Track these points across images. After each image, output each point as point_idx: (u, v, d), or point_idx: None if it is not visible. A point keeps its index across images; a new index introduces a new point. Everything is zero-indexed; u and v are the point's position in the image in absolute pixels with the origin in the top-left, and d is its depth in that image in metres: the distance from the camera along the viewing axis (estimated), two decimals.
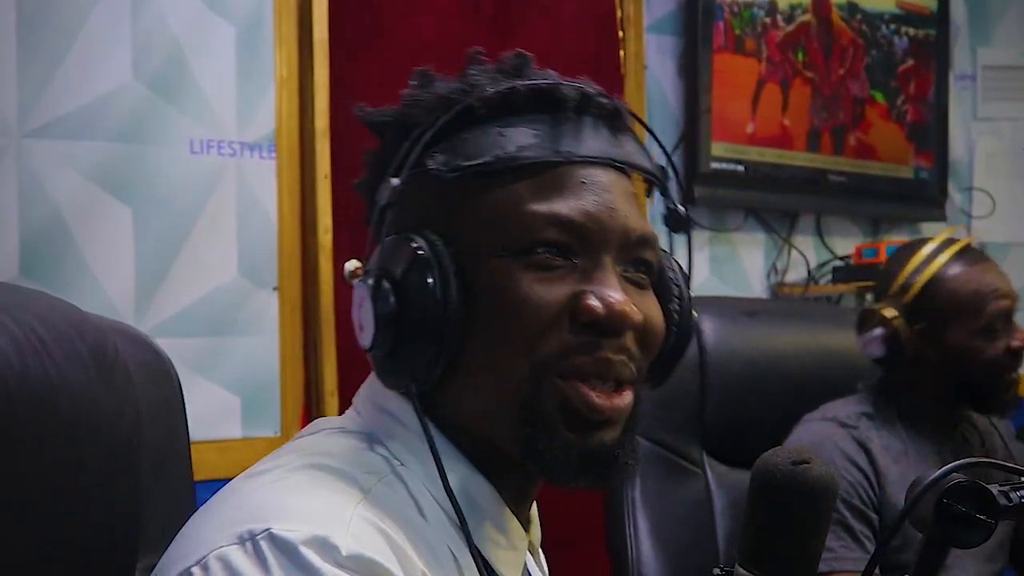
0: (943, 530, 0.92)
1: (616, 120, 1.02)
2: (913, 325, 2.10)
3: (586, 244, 0.95)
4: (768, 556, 0.94)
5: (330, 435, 0.99)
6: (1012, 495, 0.94)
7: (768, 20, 3.47)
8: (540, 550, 1.10)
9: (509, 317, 0.93)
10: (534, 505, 1.07)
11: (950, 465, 0.95)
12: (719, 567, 0.97)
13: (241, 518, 0.85)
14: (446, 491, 0.91)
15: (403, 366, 0.94)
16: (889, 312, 2.11)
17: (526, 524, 1.04)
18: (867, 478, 2.01)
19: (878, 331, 2.13)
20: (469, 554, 0.92)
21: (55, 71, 2.24)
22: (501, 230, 0.95)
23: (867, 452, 2.05)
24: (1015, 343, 2.07)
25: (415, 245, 0.94)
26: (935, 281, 2.10)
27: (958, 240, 2.17)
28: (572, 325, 0.94)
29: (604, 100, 1.01)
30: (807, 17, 3.58)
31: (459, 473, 0.97)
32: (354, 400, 1.04)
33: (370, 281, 0.93)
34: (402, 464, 0.95)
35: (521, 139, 0.96)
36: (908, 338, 2.10)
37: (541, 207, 0.94)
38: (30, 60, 2.21)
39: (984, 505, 0.91)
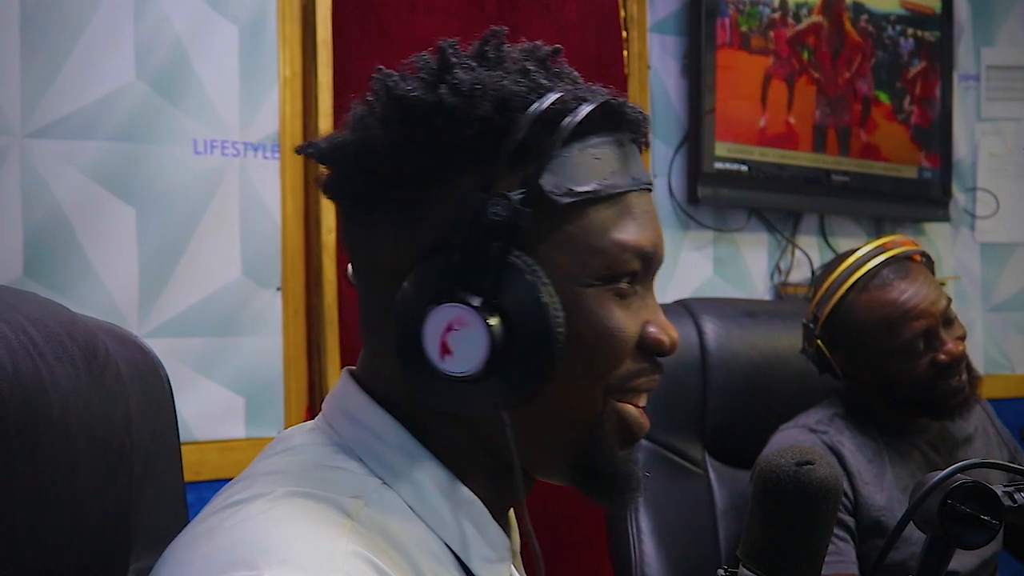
0: (948, 531, 0.92)
1: (645, 140, 1.02)
2: (833, 351, 2.08)
3: (648, 273, 0.98)
4: (772, 556, 0.93)
5: (307, 453, 0.96)
6: (1017, 496, 0.94)
7: (776, 17, 3.45)
8: (518, 554, 1.07)
9: (601, 346, 0.93)
10: (511, 510, 1.06)
11: (954, 466, 0.94)
12: (723, 568, 0.96)
13: (230, 561, 0.81)
14: (440, 538, 0.92)
15: (494, 393, 0.91)
16: (815, 340, 2.10)
17: (507, 530, 1.02)
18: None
19: (808, 351, 2.12)
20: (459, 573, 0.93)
21: (58, 70, 2.23)
22: (593, 258, 0.93)
23: (838, 456, 2.02)
24: (941, 357, 2.02)
25: (529, 268, 0.90)
26: (840, 312, 2.06)
27: (877, 255, 2.09)
28: (638, 352, 0.96)
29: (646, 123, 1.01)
30: (815, 16, 3.56)
31: (448, 492, 0.95)
32: (324, 411, 1.01)
33: (475, 302, 0.88)
34: (383, 483, 0.93)
35: (611, 164, 0.95)
36: (835, 360, 2.09)
37: (627, 237, 0.94)
38: (33, 59, 2.20)
39: (988, 506, 0.91)
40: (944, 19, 3.92)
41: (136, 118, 2.31)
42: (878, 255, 2.08)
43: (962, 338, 2.07)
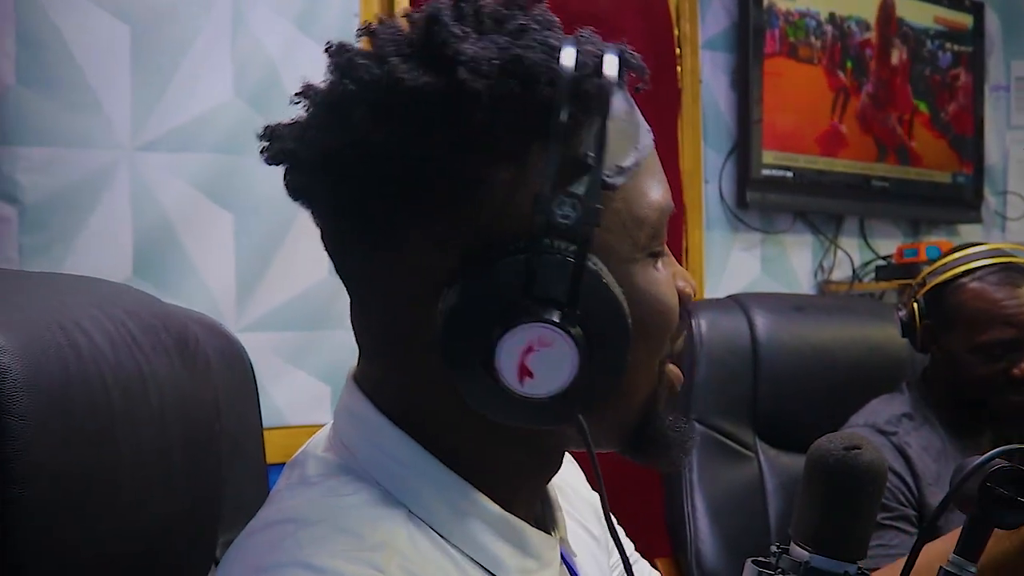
0: (986, 511, 0.90)
1: (646, 84, 0.83)
2: (923, 319, 2.02)
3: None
4: (822, 534, 0.90)
5: (325, 488, 0.79)
6: None
7: (824, 29, 3.40)
8: (567, 539, 0.92)
9: (659, 323, 0.79)
10: (550, 487, 0.90)
11: (994, 451, 0.93)
12: (776, 545, 0.93)
13: None
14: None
15: (574, 403, 0.74)
16: (912, 299, 2.04)
17: (550, 520, 0.89)
18: (905, 483, 1.92)
19: (901, 312, 2.06)
20: None
21: (164, 90, 2.24)
22: (639, 232, 0.77)
23: (905, 458, 1.94)
24: (1015, 371, 1.91)
25: (597, 266, 0.74)
26: (948, 286, 1.97)
27: (1009, 256, 1.99)
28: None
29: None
30: (863, 29, 3.50)
31: (480, 514, 0.80)
32: (337, 428, 0.84)
33: (554, 316, 0.71)
34: (409, 512, 0.77)
35: (633, 124, 0.78)
36: (919, 329, 2.02)
37: (657, 198, 0.79)
38: (142, 80, 2.22)
39: None
40: (976, 33, 3.85)
41: (234, 132, 2.32)
42: (1009, 256, 2.00)
43: None
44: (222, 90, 2.31)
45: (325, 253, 0.85)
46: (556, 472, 0.88)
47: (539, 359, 0.71)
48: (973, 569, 0.91)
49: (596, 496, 1.06)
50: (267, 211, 2.36)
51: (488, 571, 0.79)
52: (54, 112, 2.11)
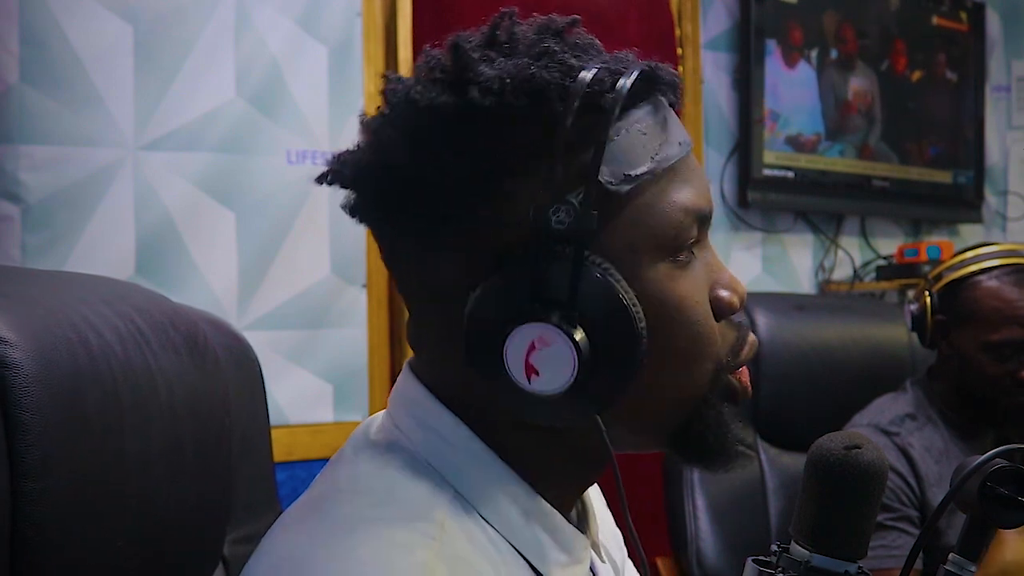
0: (986, 511, 0.90)
1: (680, 101, 0.86)
2: (935, 314, 2.02)
3: (704, 232, 0.84)
4: (822, 533, 0.90)
5: (378, 465, 0.82)
6: None
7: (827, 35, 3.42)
8: (598, 542, 0.95)
9: (681, 323, 0.80)
10: (588, 493, 0.94)
11: (994, 451, 0.92)
12: (777, 544, 0.93)
13: None
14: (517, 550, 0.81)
15: (586, 402, 0.77)
16: (925, 294, 2.03)
17: (584, 523, 0.92)
18: (907, 483, 1.91)
19: (912, 306, 2.06)
20: None
21: (167, 90, 2.25)
22: (655, 238, 0.79)
23: (908, 459, 1.94)
24: (1023, 373, 1.91)
25: (601, 268, 0.76)
26: (964, 283, 1.97)
27: (1022, 258, 1.98)
28: (718, 319, 0.83)
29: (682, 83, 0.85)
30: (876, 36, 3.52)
31: (521, 501, 0.83)
32: (391, 411, 0.87)
33: (554, 317, 0.75)
34: (456, 492, 0.80)
35: (657, 136, 0.80)
36: (930, 324, 2.02)
37: (683, 203, 0.80)
38: (145, 80, 2.23)
39: None
40: (976, 33, 3.86)
41: (236, 131, 2.33)
42: (1016, 257, 1.99)
43: None
44: (225, 90, 2.32)
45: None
46: (597, 476, 0.90)
47: (542, 357, 0.75)
48: (973, 568, 0.90)
49: (611, 518, 1.08)
50: (269, 210, 2.37)
51: (524, 557, 0.82)
52: (57, 111, 2.12)
